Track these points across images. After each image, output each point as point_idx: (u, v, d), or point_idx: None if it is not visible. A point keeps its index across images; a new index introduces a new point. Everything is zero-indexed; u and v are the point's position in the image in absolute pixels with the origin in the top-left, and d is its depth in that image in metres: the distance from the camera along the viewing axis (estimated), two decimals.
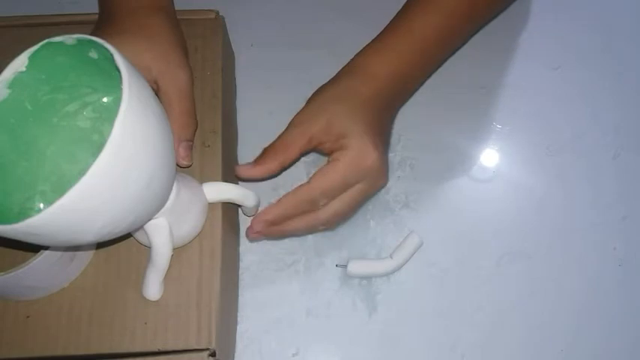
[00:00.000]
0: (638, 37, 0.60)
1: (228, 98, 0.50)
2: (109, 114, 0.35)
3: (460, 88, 0.56)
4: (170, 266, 0.38)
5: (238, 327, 0.47)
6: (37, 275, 0.36)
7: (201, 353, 0.37)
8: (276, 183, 0.51)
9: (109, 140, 0.26)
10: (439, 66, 0.50)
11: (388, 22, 0.46)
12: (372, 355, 0.46)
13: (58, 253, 0.36)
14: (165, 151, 0.31)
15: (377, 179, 0.43)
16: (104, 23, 0.43)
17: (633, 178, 0.53)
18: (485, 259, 0.50)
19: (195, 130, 0.42)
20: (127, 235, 0.39)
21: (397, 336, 0.47)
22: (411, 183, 0.52)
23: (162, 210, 0.36)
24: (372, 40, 0.46)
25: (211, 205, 0.41)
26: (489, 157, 0.54)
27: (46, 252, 0.35)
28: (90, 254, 0.40)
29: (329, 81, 0.45)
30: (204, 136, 0.44)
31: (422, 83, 0.49)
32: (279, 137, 0.43)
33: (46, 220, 0.26)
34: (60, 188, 0.34)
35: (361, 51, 0.46)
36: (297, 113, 0.44)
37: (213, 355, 0.37)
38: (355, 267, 0.48)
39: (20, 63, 0.31)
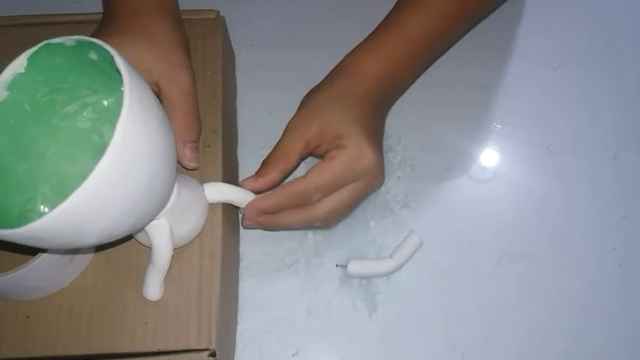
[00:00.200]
0: (638, 37, 0.60)
1: (229, 98, 0.50)
2: (109, 115, 0.35)
3: (460, 88, 0.56)
4: (170, 266, 0.38)
5: (238, 327, 0.47)
6: (37, 276, 0.36)
7: (202, 353, 0.37)
8: None
9: (111, 143, 0.26)
10: (429, 66, 0.50)
11: None
12: (372, 355, 0.46)
13: (58, 254, 0.36)
14: (167, 151, 0.31)
15: (374, 179, 0.43)
16: (106, 23, 0.43)
17: (633, 178, 0.53)
18: (485, 259, 0.50)
19: (200, 131, 0.42)
20: (127, 238, 0.39)
21: (397, 336, 0.47)
22: (411, 183, 0.52)
23: (163, 210, 0.36)
24: (364, 40, 0.46)
25: (212, 206, 0.41)
26: (489, 157, 0.54)
27: (46, 253, 0.35)
28: (90, 255, 0.40)
29: (320, 83, 0.45)
30: (205, 136, 0.44)
31: (412, 83, 0.50)
32: (277, 146, 0.43)
33: (49, 223, 0.26)
34: (61, 189, 0.34)
35: (352, 51, 0.46)
36: (292, 118, 0.44)
37: (213, 355, 0.37)
38: (355, 267, 0.48)
39: (19, 64, 0.31)
